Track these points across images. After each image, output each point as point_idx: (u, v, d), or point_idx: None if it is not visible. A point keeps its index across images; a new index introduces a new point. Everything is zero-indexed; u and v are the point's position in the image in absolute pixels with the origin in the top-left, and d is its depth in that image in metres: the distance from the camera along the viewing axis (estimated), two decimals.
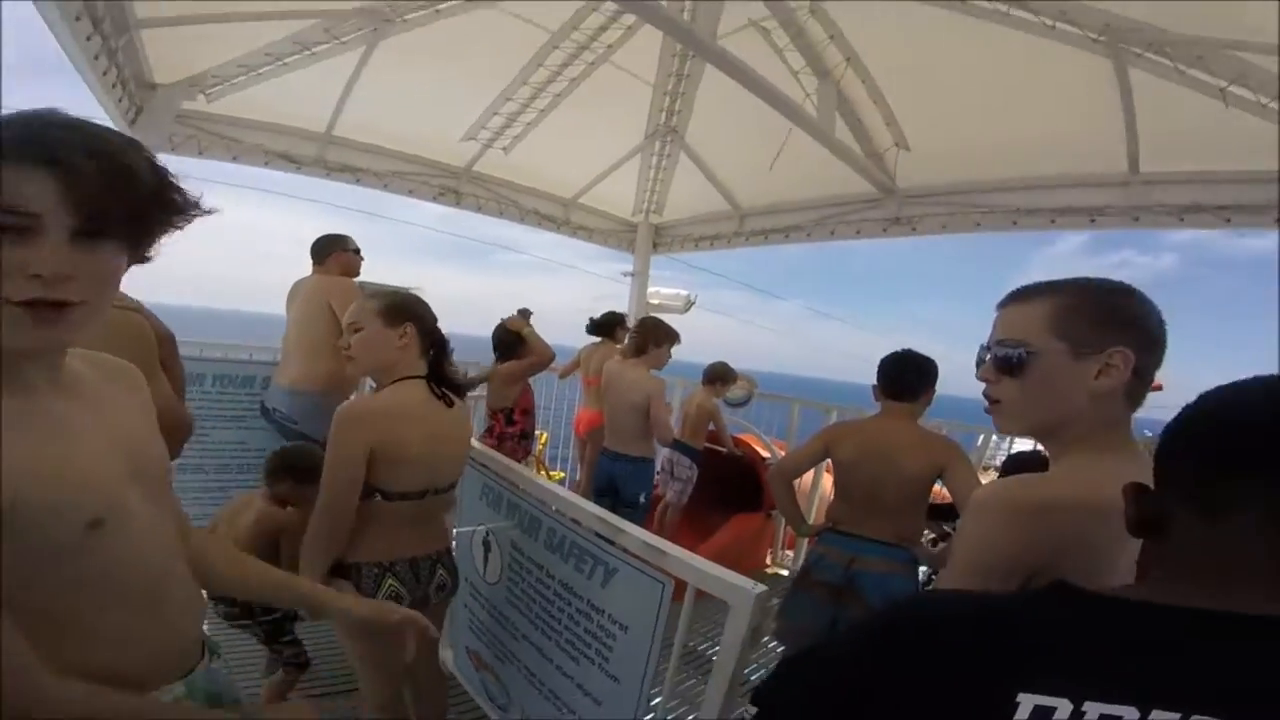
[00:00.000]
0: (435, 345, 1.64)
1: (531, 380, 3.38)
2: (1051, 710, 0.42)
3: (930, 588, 2.45)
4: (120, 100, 3.00)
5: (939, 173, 3.95)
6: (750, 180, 4.77)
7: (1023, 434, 0.93)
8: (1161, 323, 0.82)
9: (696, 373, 4.05)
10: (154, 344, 1.46)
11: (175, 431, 1.36)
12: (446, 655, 2.31)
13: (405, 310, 1.56)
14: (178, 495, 0.93)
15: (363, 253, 2.89)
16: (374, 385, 1.67)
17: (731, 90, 3.12)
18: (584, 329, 4.03)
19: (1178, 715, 0.40)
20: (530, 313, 3.16)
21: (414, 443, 1.48)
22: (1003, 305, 0.90)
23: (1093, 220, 3.52)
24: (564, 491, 1.75)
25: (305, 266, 2.84)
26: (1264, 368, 0.56)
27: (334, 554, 1.48)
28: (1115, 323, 0.81)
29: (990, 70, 3.17)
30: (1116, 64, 2.77)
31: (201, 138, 3.70)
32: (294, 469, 1.97)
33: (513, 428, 3.18)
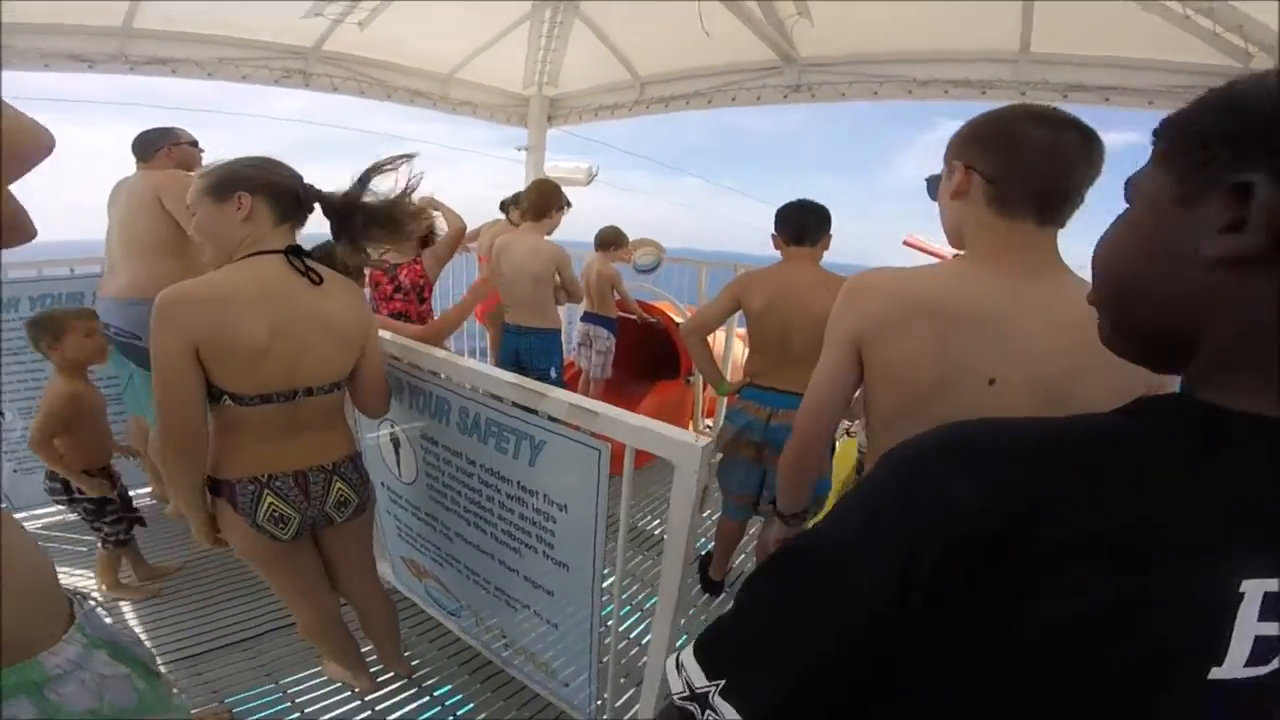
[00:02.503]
0: (303, 208, 1.34)
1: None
2: None
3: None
4: None
5: (840, 42, 3.90)
6: (649, 48, 4.46)
7: (955, 247, 0.98)
8: (1004, 132, 0.87)
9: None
10: None
11: None
12: (384, 569, 2.17)
13: (233, 178, 1.26)
14: None
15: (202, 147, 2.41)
16: None
17: None
18: (480, 218, 3.75)
19: None
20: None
21: (251, 332, 1.21)
22: None
23: (983, 93, 3.62)
24: (468, 361, 1.53)
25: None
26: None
27: (194, 467, 1.26)
28: (955, 142, 0.92)
29: None
30: None
31: None
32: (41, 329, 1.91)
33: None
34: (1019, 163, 0.85)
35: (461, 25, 4.24)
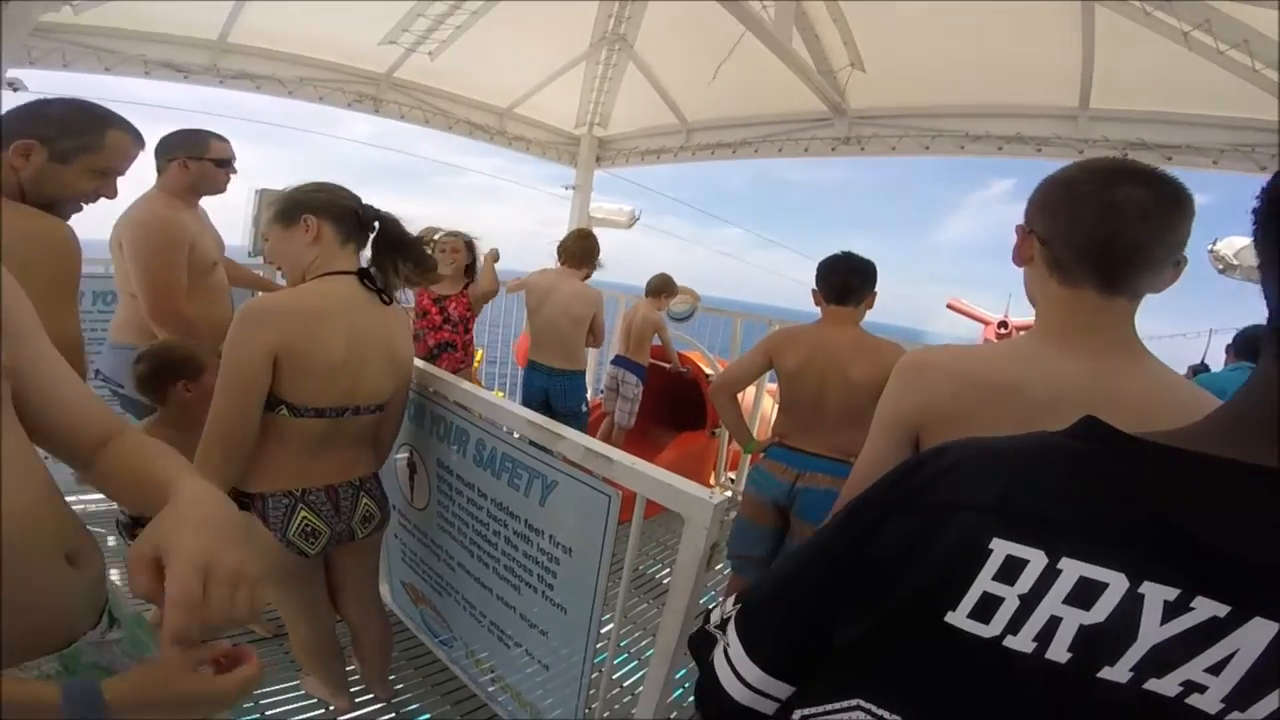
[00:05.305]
0: (364, 228, 1.39)
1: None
2: (1022, 563, 0.35)
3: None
4: None
5: (891, 95, 3.86)
6: (698, 94, 4.52)
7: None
8: (1058, 187, 0.79)
9: (636, 293, 3.90)
10: (75, 260, 1.20)
11: None
12: (384, 590, 2.15)
13: (296, 204, 1.33)
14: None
15: (237, 166, 1.94)
16: None
17: None
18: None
19: (1176, 592, 0.31)
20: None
21: (331, 347, 1.26)
22: None
23: (1039, 150, 3.50)
24: (491, 396, 1.56)
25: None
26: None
27: (232, 477, 1.26)
28: (1027, 211, 0.84)
29: None
30: None
31: (67, 50, 3.15)
32: (175, 366, 1.58)
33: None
34: (1070, 221, 0.77)
35: (522, 61, 4.39)
